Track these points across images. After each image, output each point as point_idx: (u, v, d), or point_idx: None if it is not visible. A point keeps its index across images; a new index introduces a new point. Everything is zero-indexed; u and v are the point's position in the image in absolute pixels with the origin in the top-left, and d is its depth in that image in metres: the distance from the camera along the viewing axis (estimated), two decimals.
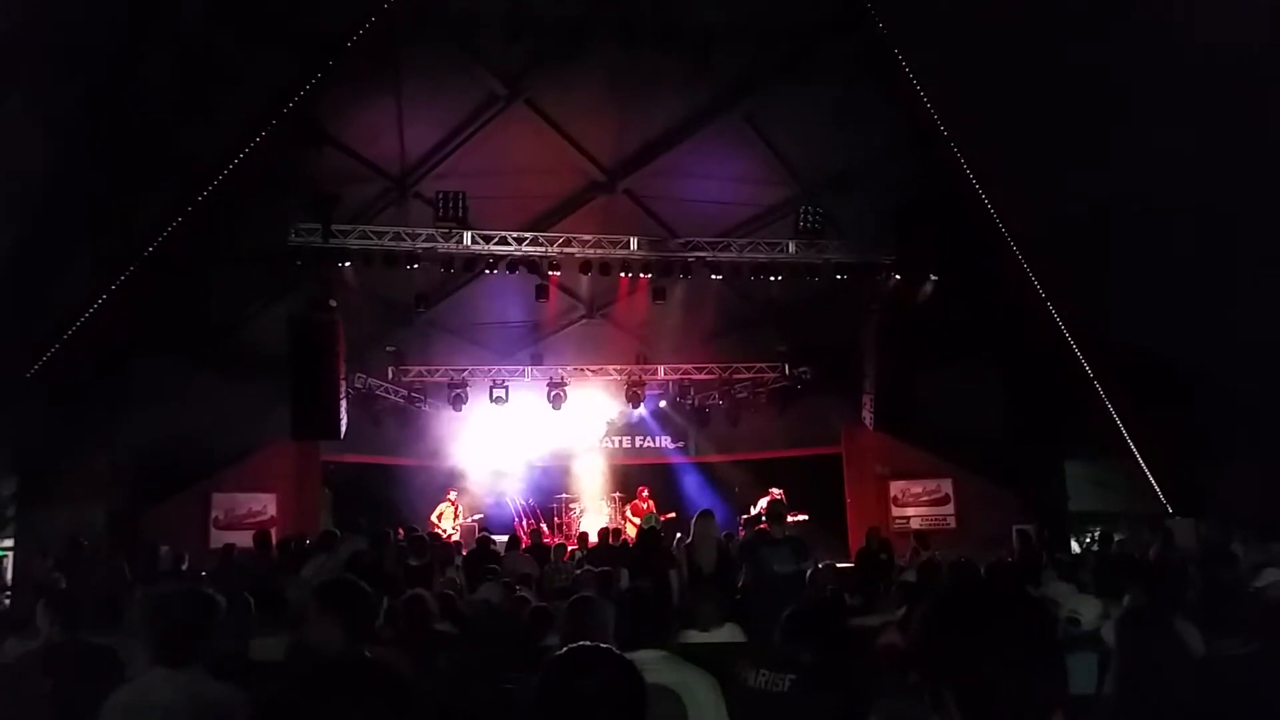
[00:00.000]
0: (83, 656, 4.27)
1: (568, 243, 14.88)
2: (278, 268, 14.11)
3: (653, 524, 13.56)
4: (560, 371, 18.15)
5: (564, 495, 18.47)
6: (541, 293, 15.44)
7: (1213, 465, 12.79)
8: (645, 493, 17.54)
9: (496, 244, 14.63)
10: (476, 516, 16.80)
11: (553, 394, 17.78)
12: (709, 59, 12.64)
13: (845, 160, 14.55)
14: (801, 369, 18.19)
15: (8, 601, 10.78)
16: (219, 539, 14.04)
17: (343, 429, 14.74)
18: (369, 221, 14.74)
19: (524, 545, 12.34)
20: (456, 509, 16.61)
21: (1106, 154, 10.19)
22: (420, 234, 14.22)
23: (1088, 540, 14.89)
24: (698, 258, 15.17)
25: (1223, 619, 4.01)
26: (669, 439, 20.32)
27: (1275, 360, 9.76)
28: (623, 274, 15.35)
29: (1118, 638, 4.46)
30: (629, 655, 2.17)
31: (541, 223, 15.62)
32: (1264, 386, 10.31)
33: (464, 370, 18.11)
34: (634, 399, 18.25)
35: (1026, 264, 14.15)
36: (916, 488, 17.32)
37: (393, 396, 18.29)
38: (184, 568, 11.22)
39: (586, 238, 14.92)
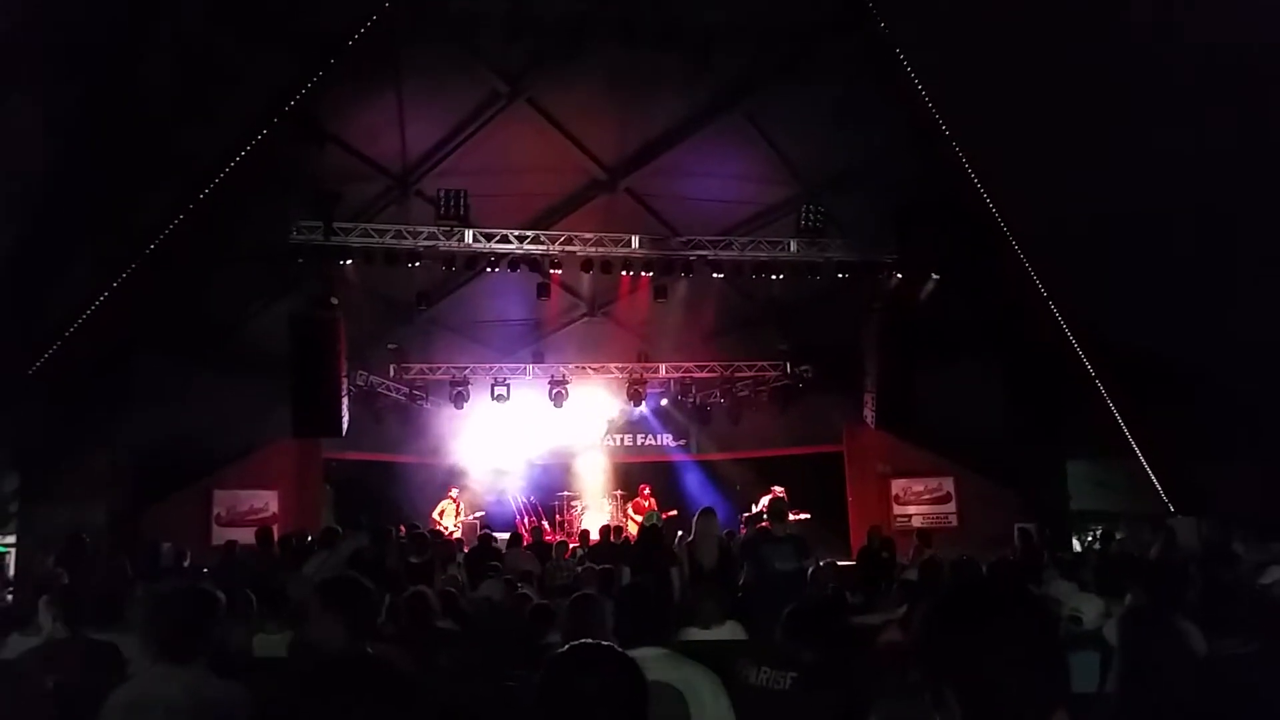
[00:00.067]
0: (85, 653, 4.28)
1: (569, 241, 14.89)
2: (279, 266, 14.11)
3: (654, 522, 13.53)
4: (562, 369, 18.16)
5: (565, 493, 18.49)
6: (543, 291, 15.46)
7: (1214, 465, 12.79)
8: (647, 490, 17.54)
9: (498, 242, 14.64)
10: (478, 514, 16.81)
11: (554, 392, 17.79)
12: (709, 58, 12.62)
13: (846, 159, 14.54)
14: (803, 367, 18.19)
15: (10, 598, 10.76)
16: (221, 536, 14.10)
17: (344, 426, 14.73)
18: (370, 219, 14.75)
19: (525, 543, 12.33)
20: (458, 506, 16.63)
21: (1107, 154, 10.18)
22: (422, 232, 14.24)
23: (1089, 539, 14.89)
24: (699, 256, 15.19)
25: (1224, 618, 4.01)
26: (670, 437, 20.33)
27: (1275, 360, 9.76)
28: (624, 272, 15.36)
29: (1119, 636, 4.47)
30: (630, 653, 2.17)
31: (543, 221, 15.62)
32: (1264, 386, 10.30)
33: (465, 368, 18.12)
34: (635, 397, 18.25)
35: (1027, 263, 14.15)
36: (918, 486, 17.32)
37: (394, 394, 18.29)
38: (186, 565, 11.25)
39: (588, 236, 14.93)
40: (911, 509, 17.17)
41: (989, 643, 1.58)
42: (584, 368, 18.47)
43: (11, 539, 13.59)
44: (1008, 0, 10.18)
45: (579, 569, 10.31)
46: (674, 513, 15.98)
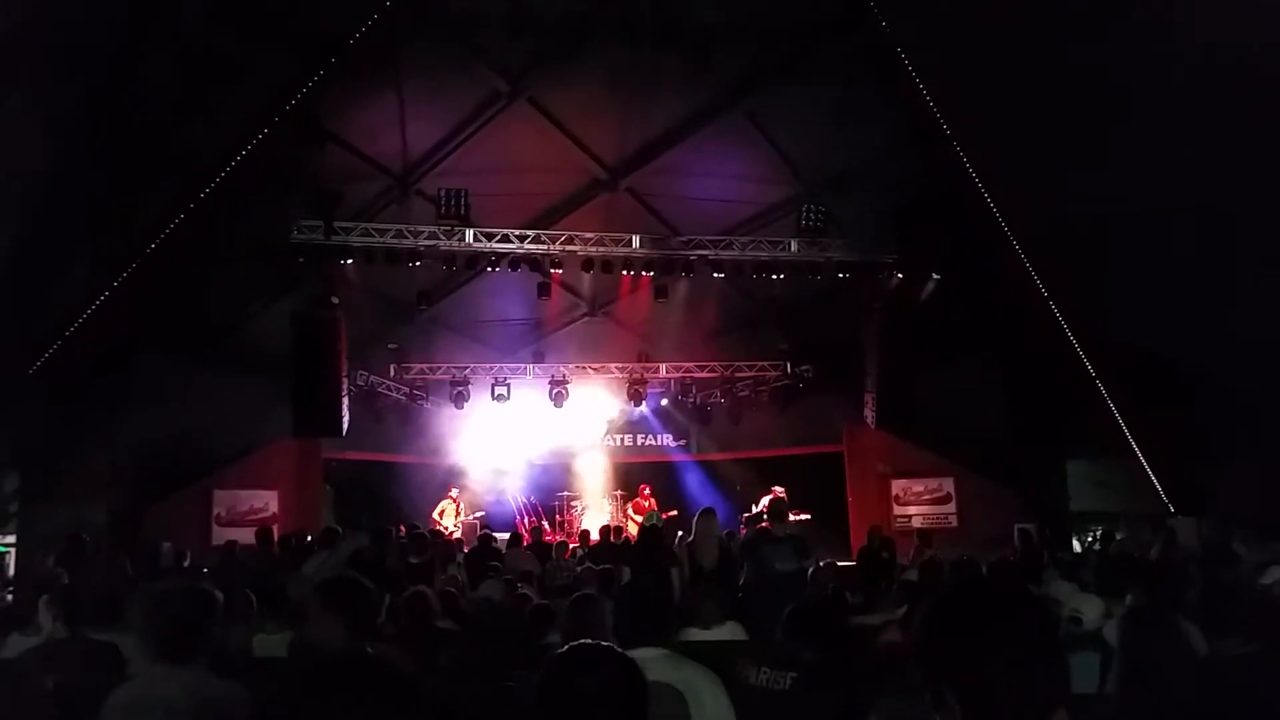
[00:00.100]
0: (85, 653, 4.29)
1: (570, 241, 14.89)
2: (279, 265, 14.12)
3: (654, 522, 13.53)
4: (562, 369, 18.16)
5: (566, 493, 18.50)
6: (543, 290, 15.45)
7: (1214, 465, 12.78)
8: (647, 490, 17.55)
9: (499, 241, 14.65)
10: (478, 514, 16.81)
11: (554, 392, 17.79)
12: (710, 58, 12.62)
13: (847, 159, 14.55)
14: (803, 367, 18.19)
15: (10, 598, 10.76)
16: (221, 536, 14.10)
17: (344, 426, 14.73)
18: (371, 219, 14.76)
19: (525, 543, 12.33)
20: (458, 506, 16.63)
21: (1107, 154, 10.18)
22: (422, 231, 14.25)
23: (1089, 540, 14.89)
24: (700, 256, 15.20)
25: (1224, 619, 4.00)
26: (671, 437, 20.34)
27: (1275, 360, 9.76)
28: (625, 272, 15.36)
29: (1120, 637, 4.47)
30: (630, 653, 2.17)
31: (543, 220, 15.62)
32: (1264, 386, 10.30)
33: (466, 368, 18.12)
34: (636, 397, 18.26)
35: (1028, 263, 14.14)
36: (918, 486, 17.32)
37: (394, 394, 18.30)
38: (186, 564, 11.23)
39: (589, 236, 14.94)
40: (911, 509, 17.17)
41: (989, 643, 1.58)
42: (584, 368, 18.47)
43: (11, 539, 13.59)
44: (1008, 0, 10.18)
45: (579, 569, 10.31)
46: (674, 513, 15.98)
